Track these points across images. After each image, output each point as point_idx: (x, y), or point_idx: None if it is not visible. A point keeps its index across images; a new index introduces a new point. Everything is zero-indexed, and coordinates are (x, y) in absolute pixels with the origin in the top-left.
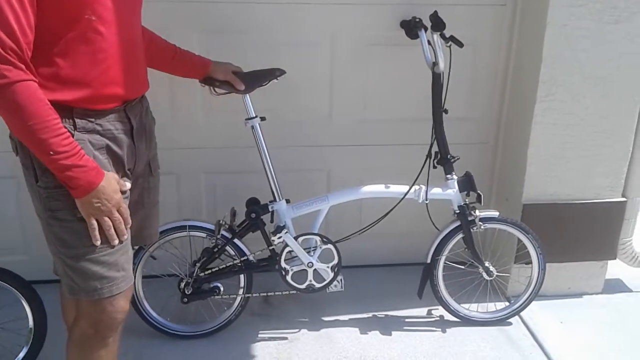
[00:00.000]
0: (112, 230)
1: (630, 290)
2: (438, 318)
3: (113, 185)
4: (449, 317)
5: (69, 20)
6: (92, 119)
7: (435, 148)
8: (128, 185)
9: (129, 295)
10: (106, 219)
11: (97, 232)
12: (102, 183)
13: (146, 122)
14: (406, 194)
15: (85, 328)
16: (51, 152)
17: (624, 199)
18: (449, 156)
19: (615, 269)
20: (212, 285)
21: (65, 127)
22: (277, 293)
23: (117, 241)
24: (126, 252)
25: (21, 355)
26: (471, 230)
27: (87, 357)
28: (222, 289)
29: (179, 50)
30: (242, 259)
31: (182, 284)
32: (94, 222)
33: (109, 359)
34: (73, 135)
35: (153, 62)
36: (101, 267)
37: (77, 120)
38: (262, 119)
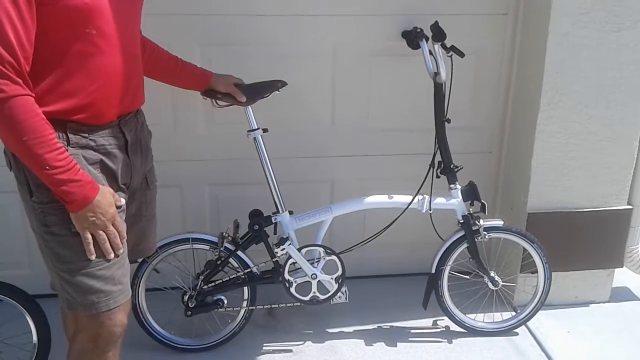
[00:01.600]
0: (108, 244)
1: (638, 299)
2: (444, 329)
3: (108, 199)
4: (454, 327)
5: (70, 35)
6: (86, 135)
7: (438, 157)
8: (123, 200)
9: (127, 308)
10: (101, 232)
11: (92, 247)
12: (97, 197)
13: (142, 136)
14: (410, 204)
15: (85, 342)
16: (47, 167)
17: (629, 207)
18: (452, 166)
19: (622, 277)
20: (215, 298)
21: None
22: (281, 305)
23: (112, 255)
24: (122, 265)
25: None
26: (476, 239)
27: None
28: (225, 301)
29: (181, 62)
30: (246, 271)
31: (186, 297)
32: (89, 236)
33: None
34: (66, 151)
35: (154, 73)
36: (97, 281)
37: (71, 136)
38: (265, 130)
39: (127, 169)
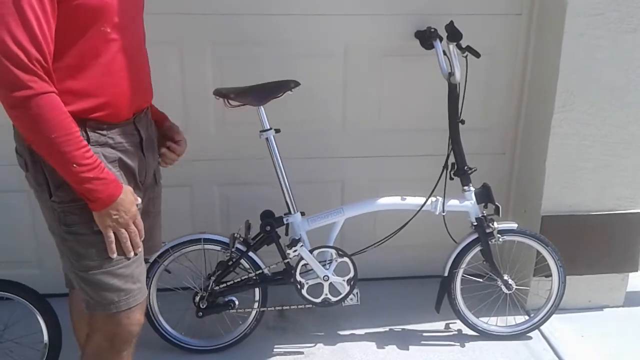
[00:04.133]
0: (129, 242)
1: None
2: (456, 332)
3: (130, 198)
4: (467, 331)
5: (85, 33)
6: (104, 132)
7: (452, 159)
8: (139, 199)
9: (144, 307)
10: (123, 231)
11: (114, 245)
12: (121, 195)
13: (151, 132)
14: (423, 205)
15: (101, 342)
16: (74, 165)
17: None
18: (466, 167)
19: (636, 281)
20: (227, 299)
21: None
22: (292, 307)
23: (132, 253)
24: (141, 263)
25: None
26: (489, 242)
27: None
28: (237, 302)
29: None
30: (257, 272)
31: (197, 298)
32: (112, 235)
33: None
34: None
35: None
36: (118, 280)
37: (90, 134)
38: (277, 131)
39: (143, 166)
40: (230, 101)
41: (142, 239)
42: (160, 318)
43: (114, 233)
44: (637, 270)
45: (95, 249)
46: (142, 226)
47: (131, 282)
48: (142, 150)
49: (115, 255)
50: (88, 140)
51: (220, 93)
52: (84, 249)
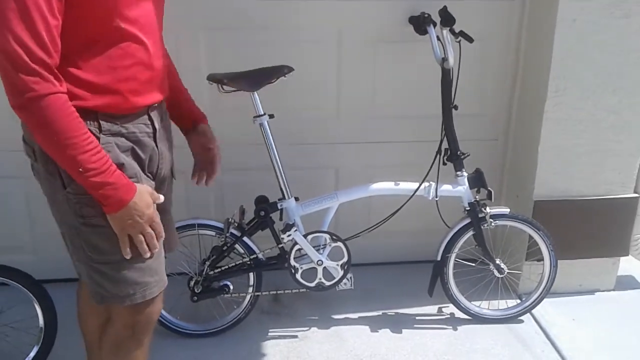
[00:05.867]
0: (144, 244)
1: None
2: (449, 316)
3: (146, 200)
4: (459, 314)
5: (98, 27)
6: (118, 122)
7: (445, 145)
8: (162, 197)
9: (162, 296)
10: (138, 234)
11: (128, 248)
12: (133, 199)
13: (167, 123)
14: (416, 191)
15: (121, 330)
16: (80, 169)
17: (636, 195)
18: (459, 153)
19: (627, 265)
20: (221, 284)
21: (91, 130)
22: (286, 291)
23: (148, 254)
24: (159, 255)
25: (32, 354)
26: (482, 227)
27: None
28: (231, 287)
29: (180, 97)
30: (252, 257)
31: (192, 283)
32: (126, 238)
33: (143, 358)
34: (99, 139)
35: None
36: (135, 273)
37: (103, 123)
38: (271, 116)
39: (156, 157)
40: (224, 87)
41: (161, 239)
42: None
43: (130, 235)
44: (627, 255)
45: (112, 242)
46: (160, 228)
47: (149, 275)
48: (155, 141)
49: (129, 257)
50: (100, 129)
51: (214, 78)
52: (101, 241)
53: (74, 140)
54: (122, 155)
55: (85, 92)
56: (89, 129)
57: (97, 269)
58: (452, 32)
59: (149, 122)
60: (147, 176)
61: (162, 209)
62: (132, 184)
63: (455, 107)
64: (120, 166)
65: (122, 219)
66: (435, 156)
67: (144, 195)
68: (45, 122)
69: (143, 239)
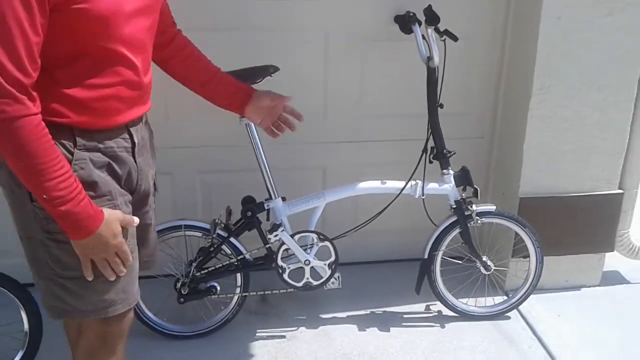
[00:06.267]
0: (109, 270)
1: (628, 282)
2: (436, 313)
3: (113, 229)
4: (447, 312)
5: (86, 45)
6: (94, 138)
7: (431, 143)
8: (136, 220)
9: (131, 310)
10: (103, 261)
11: (89, 270)
12: (99, 230)
13: (146, 137)
14: (402, 189)
15: (93, 340)
16: (44, 196)
17: (620, 191)
18: (445, 151)
19: (612, 261)
20: (208, 285)
21: (65, 145)
22: (274, 291)
23: (113, 278)
24: (130, 273)
25: (17, 358)
26: (468, 224)
27: None
28: (218, 288)
29: (216, 78)
30: (239, 257)
31: (179, 284)
32: (88, 263)
33: None
34: (73, 154)
35: (186, 83)
36: (101, 289)
37: (78, 139)
38: None
39: (134, 172)
40: None
41: (128, 264)
42: (142, 305)
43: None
44: (613, 250)
45: (78, 258)
46: (127, 255)
47: (114, 293)
48: (134, 156)
49: (90, 279)
50: (75, 144)
51: None
52: (67, 257)
53: (43, 166)
54: (95, 173)
55: (62, 107)
56: (63, 143)
57: (61, 283)
58: (437, 30)
59: (127, 137)
60: (122, 190)
61: (142, 225)
62: (99, 213)
63: (441, 106)
64: (93, 184)
65: (86, 246)
66: (422, 154)
67: (112, 224)
68: (12, 145)
69: (107, 264)
